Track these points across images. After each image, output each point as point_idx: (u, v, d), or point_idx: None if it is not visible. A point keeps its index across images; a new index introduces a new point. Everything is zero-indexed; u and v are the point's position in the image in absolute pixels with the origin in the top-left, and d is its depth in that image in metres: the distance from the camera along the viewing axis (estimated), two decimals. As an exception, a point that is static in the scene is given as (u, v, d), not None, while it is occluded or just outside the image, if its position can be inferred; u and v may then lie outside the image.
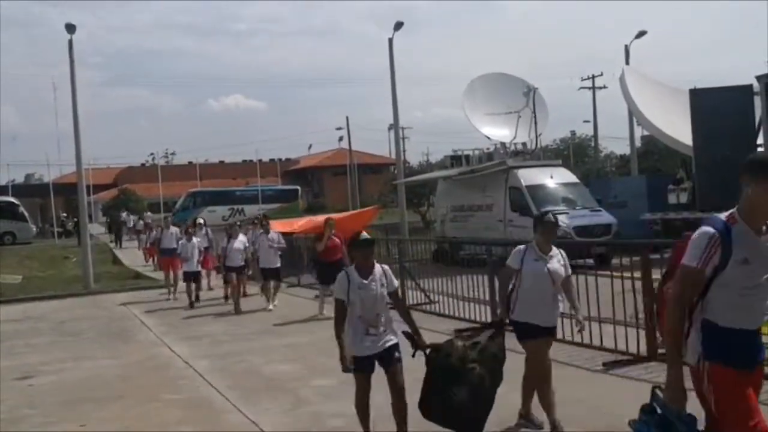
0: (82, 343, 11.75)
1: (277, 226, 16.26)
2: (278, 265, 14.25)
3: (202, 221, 19.24)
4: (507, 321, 5.84)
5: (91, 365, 9.79)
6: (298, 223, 18.98)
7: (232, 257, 14.29)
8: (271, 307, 13.84)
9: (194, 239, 15.71)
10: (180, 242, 15.84)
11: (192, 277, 15.29)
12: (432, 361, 5.26)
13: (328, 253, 12.67)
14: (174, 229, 17.89)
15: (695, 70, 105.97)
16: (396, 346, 5.45)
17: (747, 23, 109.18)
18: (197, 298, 15.32)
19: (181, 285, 15.90)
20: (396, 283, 5.67)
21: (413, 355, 5.36)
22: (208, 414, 7.03)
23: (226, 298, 15.12)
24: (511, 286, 5.86)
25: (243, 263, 14.45)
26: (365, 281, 5.37)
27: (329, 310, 11.54)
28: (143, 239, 28.67)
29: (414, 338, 5.38)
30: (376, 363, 5.44)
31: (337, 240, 12.70)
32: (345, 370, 5.40)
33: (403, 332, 5.39)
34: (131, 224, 40.98)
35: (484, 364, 5.17)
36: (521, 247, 5.95)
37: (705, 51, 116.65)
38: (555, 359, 8.10)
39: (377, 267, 5.51)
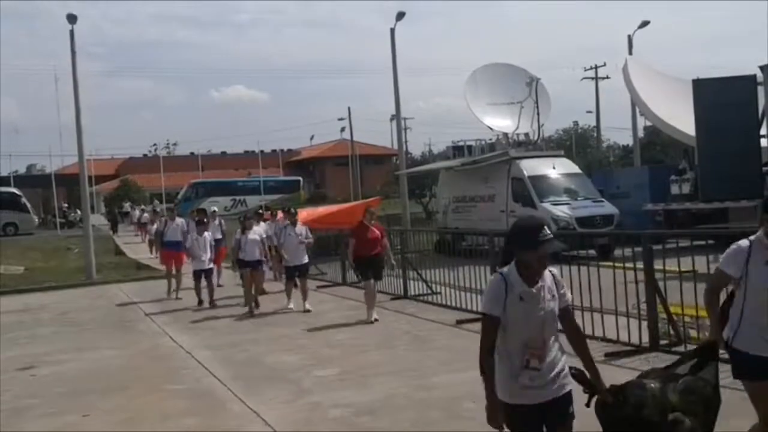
0: (85, 333, 11.77)
1: (303, 215, 15.46)
2: (306, 261, 12.86)
3: (215, 209, 17.79)
4: (722, 345, 4.10)
5: (93, 356, 9.81)
6: (301, 215, 18.66)
7: (248, 250, 12.71)
8: (308, 306, 12.26)
9: (206, 234, 13.91)
10: (191, 237, 13.99)
11: (203, 276, 13.68)
12: (613, 414, 3.59)
13: (367, 246, 11.08)
14: (180, 221, 16.07)
15: (697, 62, 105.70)
16: (570, 396, 3.62)
17: (751, 18, 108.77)
18: (211, 302, 13.53)
19: (186, 282, 14.89)
20: (570, 295, 3.79)
21: (587, 404, 3.67)
22: (211, 404, 7.04)
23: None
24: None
25: (260, 257, 12.91)
26: (532, 290, 3.52)
27: (379, 314, 11.15)
28: (151, 230, 28.31)
29: (588, 379, 3.65)
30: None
31: (377, 231, 11.25)
32: (495, 426, 3.54)
33: (571, 369, 3.65)
34: (136, 218, 40.38)
35: (692, 413, 3.52)
36: (742, 243, 4.06)
37: (707, 44, 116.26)
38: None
39: (546, 271, 3.64)
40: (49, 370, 9.04)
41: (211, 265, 13.97)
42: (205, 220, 14.69)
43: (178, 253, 15.08)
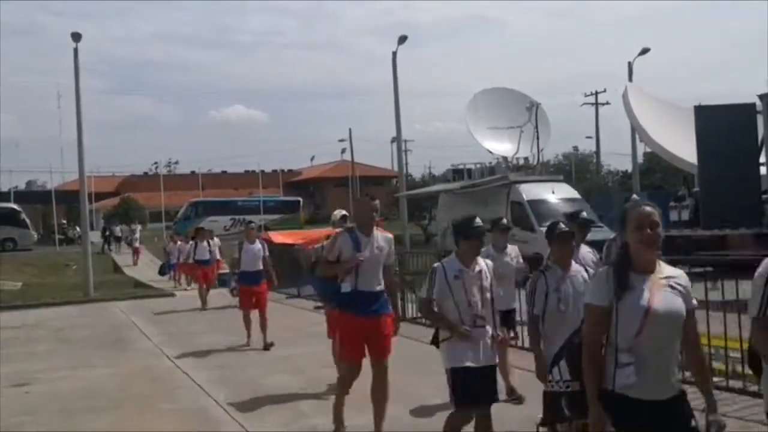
0: (80, 351, 11.70)
1: (278, 237, 15.40)
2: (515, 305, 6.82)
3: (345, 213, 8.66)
4: None
5: (88, 374, 9.74)
6: (299, 235, 18.60)
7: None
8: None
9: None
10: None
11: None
12: None
13: None
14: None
15: (697, 90, 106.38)
16: None
17: (750, 46, 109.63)
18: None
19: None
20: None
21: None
22: (206, 425, 6.98)
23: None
24: None
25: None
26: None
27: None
28: (177, 251, 22.36)
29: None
30: None
31: None
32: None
33: None
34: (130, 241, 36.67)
35: None
36: None
37: (707, 72, 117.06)
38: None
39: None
40: (43, 387, 8.98)
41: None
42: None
43: (258, 289, 10.10)
